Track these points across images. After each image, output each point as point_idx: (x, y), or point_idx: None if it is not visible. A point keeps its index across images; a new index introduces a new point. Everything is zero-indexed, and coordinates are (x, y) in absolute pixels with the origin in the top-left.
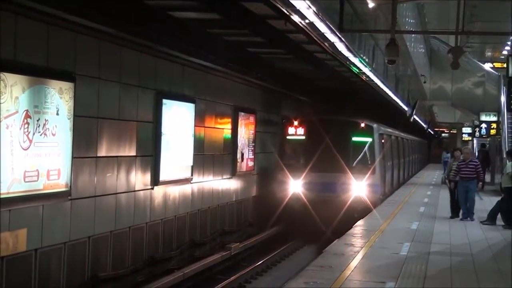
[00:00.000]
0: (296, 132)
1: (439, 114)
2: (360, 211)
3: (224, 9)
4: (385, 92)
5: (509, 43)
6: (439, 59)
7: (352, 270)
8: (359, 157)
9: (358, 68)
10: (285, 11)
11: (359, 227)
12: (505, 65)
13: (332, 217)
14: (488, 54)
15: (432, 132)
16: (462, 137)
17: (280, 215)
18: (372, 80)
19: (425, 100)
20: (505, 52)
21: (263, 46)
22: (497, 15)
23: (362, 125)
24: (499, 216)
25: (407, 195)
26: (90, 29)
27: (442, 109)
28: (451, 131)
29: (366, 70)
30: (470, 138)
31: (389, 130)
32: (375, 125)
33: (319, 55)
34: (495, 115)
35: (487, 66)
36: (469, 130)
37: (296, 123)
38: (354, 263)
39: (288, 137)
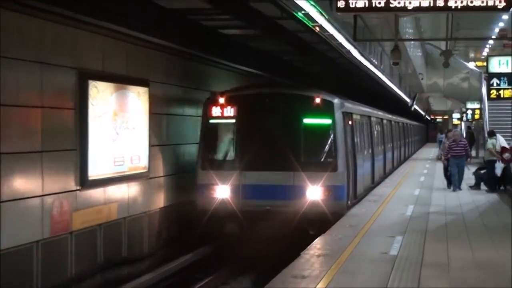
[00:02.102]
0: (223, 113)
1: (434, 103)
2: (317, 225)
3: (263, 26)
4: (391, 87)
5: (487, 46)
6: (433, 60)
7: (369, 228)
8: (315, 147)
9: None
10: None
11: (372, 195)
12: (485, 64)
13: (277, 234)
14: (471, 55)
15: (429, 118)
16: (452, 121)
17: (202, 233)
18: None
19: (423, 93)
20: (484, 54)
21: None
22: (478, 24)
23: (317, 100)
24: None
25: (410, 168)
26: (160, 46)
27: (436, 99)
28: (444, 117)
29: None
30: (459, 122)
31: (365, 109)
32: (336, 100)
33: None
34: (478, 103)
35: (471, 65)
36: (458, 115)
37: (222, 100)
38: (371, 222)
39: (211, 121)
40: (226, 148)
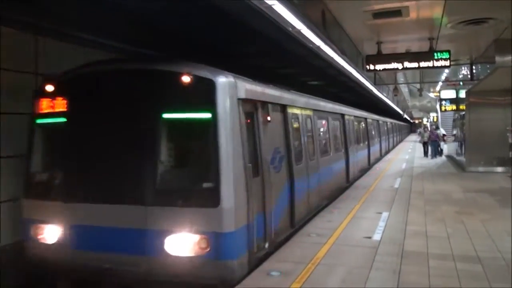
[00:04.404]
0: (54, 107)
1: (414, 114)
2: None
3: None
4: (393, 107)
5: (440, 84)
6: (413, 92)
7: (382, 176)
8: (182, 162)
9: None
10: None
11: (384, 159)
12: (439, 94)
13: None
14: (432, 89)
15: (412, 121)
16: (423, 122)
17: None
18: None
19: (408, 109)
20: (437, 89)
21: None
22: (436, 74)
23: (185, 79)
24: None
25: (403, 146)
26: None
27: (415, 112)
28: (419, 120)
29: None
30: (427, 123)
31: (327, 104)
32: (221, 79)
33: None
34: (435, 113)
35: (432, 95)
36: (426, 119)
37: (51, 88)
38: (384, 171)
39: (39, 122)
40: (56, 164)
